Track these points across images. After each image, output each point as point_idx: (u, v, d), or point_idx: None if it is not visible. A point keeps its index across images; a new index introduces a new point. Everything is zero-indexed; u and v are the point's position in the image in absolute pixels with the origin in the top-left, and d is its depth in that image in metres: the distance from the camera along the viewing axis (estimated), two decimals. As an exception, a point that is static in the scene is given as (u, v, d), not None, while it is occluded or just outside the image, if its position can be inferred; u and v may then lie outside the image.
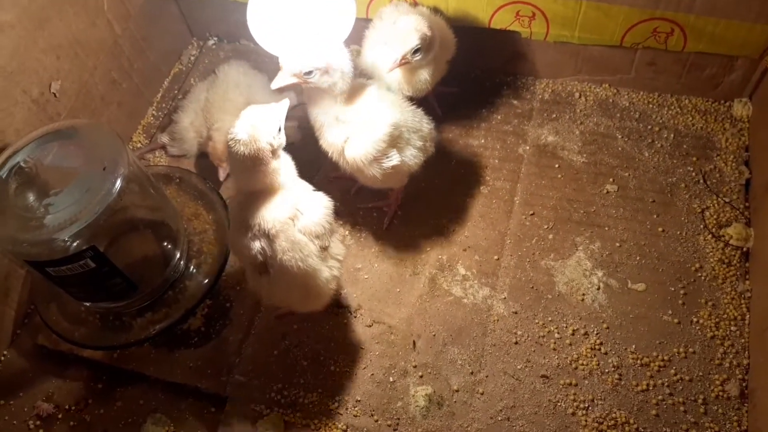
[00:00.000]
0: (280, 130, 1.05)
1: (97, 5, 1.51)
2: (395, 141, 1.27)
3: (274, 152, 1.05)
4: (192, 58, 1.87)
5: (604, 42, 1.45)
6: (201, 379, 1.31)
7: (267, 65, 1.76)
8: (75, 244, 1.14)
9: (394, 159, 1.27)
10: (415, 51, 1.29)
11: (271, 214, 1.06)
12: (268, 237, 1.07)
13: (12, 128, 1.33)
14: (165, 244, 1.39)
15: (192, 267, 1.45)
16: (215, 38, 1.88)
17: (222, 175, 1.56)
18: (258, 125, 1.01)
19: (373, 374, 1.29)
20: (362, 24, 1.41)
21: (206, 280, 1.41)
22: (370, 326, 1.35)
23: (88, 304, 1.34)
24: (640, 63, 1.52)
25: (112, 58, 1.59)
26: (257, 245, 1.08)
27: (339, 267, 1.17)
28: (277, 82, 1.20)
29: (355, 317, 1.36)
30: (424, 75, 1.38)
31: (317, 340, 1.34)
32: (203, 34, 1.89)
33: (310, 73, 1.20)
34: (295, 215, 1.07)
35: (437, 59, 1.39)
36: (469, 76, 1.68)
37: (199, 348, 1.36)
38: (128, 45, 1.64)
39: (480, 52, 1.62)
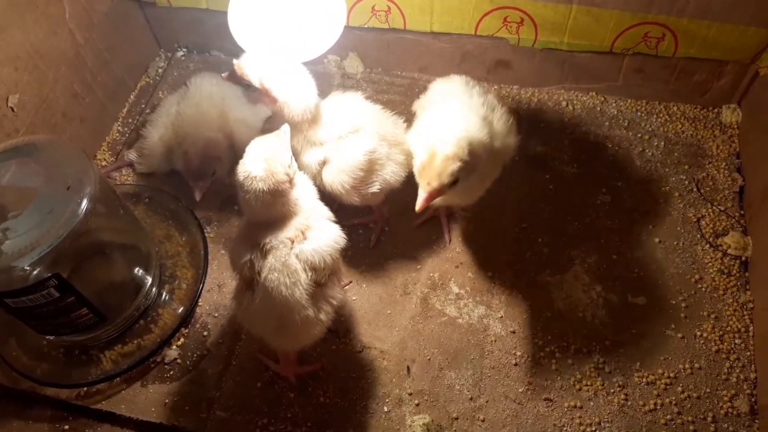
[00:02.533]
0: (291, 158, 0.98)
1: (58, 13, 1.40)
2: (374, 165, 1.19)
3: (291, 181, 0.98)
4: (160, 70, 1.77)
5: (594, 48, 1.41)
6: (178, 417, 1.20)
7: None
8: (36, 272, 1.03)
9: (374, 186, 1.21)
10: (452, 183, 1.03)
11: (274, 228, 0.99)
12: (262, 251, 0.99)
13: (-37, 146, 1.22)
14: (135, 269, 1.28)
15: (165, 293, 1.35)
16: (184, 49, 1.79)
17: (198, 195, 1.45)
18: (271, 158, 0.95)
19: (365, 404, 1.21)
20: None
21: (181, 308, 1.32)
22: (360, 352, 1.27)
23: (51, 337, 1.22)
24: (628, 70, 1.48)
25: (74, 70, 1.48)
26: (247, 255, 1.00)
27: (329, 312, 1.07)
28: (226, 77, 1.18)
29: (344, 343, 1.27)
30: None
31: (304, 368, 1.24)
32: (171, 46, 1.79)
33: (249, 86, 1.14)
34: (296, 237, 0.99)
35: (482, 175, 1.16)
36: (453, 86, 1.63)
37: (175, 382, 1.25)
38: (91, 56, 1.53)
39: (462, 60, 1.57)
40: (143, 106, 1.70)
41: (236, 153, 1.50)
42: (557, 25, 1.36)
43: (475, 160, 1.02)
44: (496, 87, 1.62)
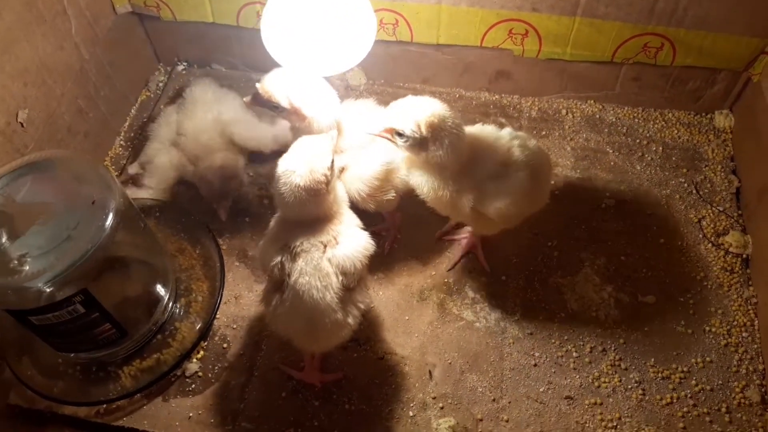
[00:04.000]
0: (333, 162, 1.00)
1: (65, 27, 1.39)
2: (390, 174, 1.22)
3: (327, 184, 1.00)
4: (160, 84, 1.76)
5: (596, 58, 1.46)
6: (204, 430, 1.19)
7: (242, 90, 1.68)
8: (64, 288, 1.02)
9: (389, 194, 1.23)
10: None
11: (306, 232, 1.00)
12: (292, 253, 1.00)
13: (-24, 162, 1.20)
14: (153, 282, 1.27)
15: (181, 307, 1.34)
16: (185, 63, 1.79)
17: (224, 215, 1.46)
18: (313, 156, 0.98)
19: (391, 410, 1.22)
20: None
21: (199, 321, 1.31)
22: (381, 359, 1.28)
23: (71, 355, 1.20)
24: (625, 78, 1.54)
25: (78, 85, 1.47)
26: (278, 257, 1.01)
27: (357, 316, 1.08)
28: (248, 100, 1.18)
29: (365, 350, 1.29)
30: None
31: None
32: (171, 60, 1.79)
33: (276, 107, 1.14)
34: (329, 241, 1.01)
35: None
36: (454, 96, 1.67)
37: (197, 395, 1.24)
38: (94, 71, 1.53)
39: (464, 71, 1.61)
40: (145, 119, 1.69)
41: (233, 136, 1.51)
42: (561, 36, 1.41)
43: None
44: (497, 96, 1.66)
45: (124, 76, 1.66)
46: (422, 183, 1.15)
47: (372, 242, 1.06)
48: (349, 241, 1.03)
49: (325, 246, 1.01)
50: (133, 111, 1.72)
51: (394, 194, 1.25)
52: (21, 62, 1.27)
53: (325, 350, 1.18)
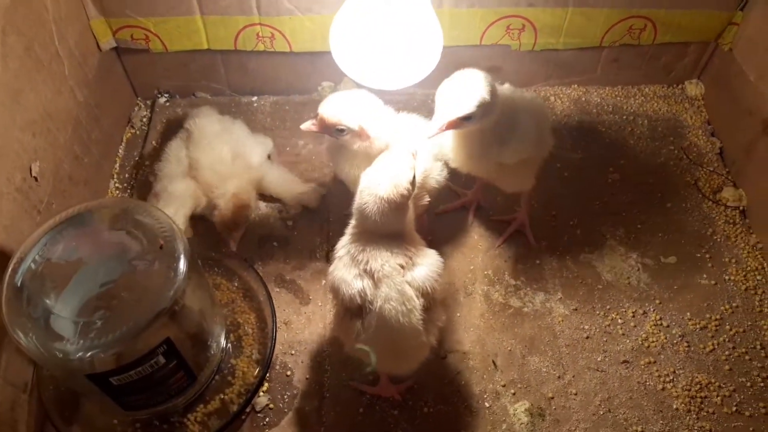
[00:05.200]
0: (414, 178, 1.00)
1: (60, 70, 1.32)
2: (426, 180, 1.25)
3: (409, 198, 0.99)
4: (144, 119, 1.69)
5: (586, 44, 1.56)
6: (292, 461, 1.17)
7: (234, 116, 1.65)
8: (151, 340, 0.97)
9: (424, 199, 1.25)
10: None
11: (383, 255, 0.99)
12: (374, 279, 1.00)
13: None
14: (206, 321, 1.23)
15: (230, 343, 1.30)
16: (166, 95, 1.72)
17: (234, 246, 1.42)
18: (398, 170, 0.97)
19: (467, 405, 1.25)
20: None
21: (256, 353, 1.28)
22: (444, 358, 1.31)
23: (143, 412, 1.14)
24: (606, 61, 1.66)
25: (74, 130, 1.39)
26: (359, 284, 1.00)
27: (436, 334, 1.09)
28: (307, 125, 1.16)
29: (437, 341, 1.30)
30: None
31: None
32: (149, 93, 1.72)
33: (341, 131, 1.15)
34: (406, 263, 1.01)
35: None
36: (446, 95, 1.72)
37: (274, 428, 1.21)
38: (85, 114, 1.45)
39: (456, 70, 1.66)
40: (137, 158, 1.61)
41: (265, 188, 1.49)
42: (555, 27, 1.50)
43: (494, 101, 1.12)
44: (487, 91, 1.72)
45: (109, 115, 1.58)
46: (460, 151, 1.22)
47: (441, 259, 1.07)
48: (424, 261, 1.03)
49: (403, 268, 1.01)
50: (120, 151, 1.64)
51: (428, 199, 1.28)
52: (28, 113, 1.19)
53: (408, 372, 1.17)
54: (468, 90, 1.10)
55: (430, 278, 1.02)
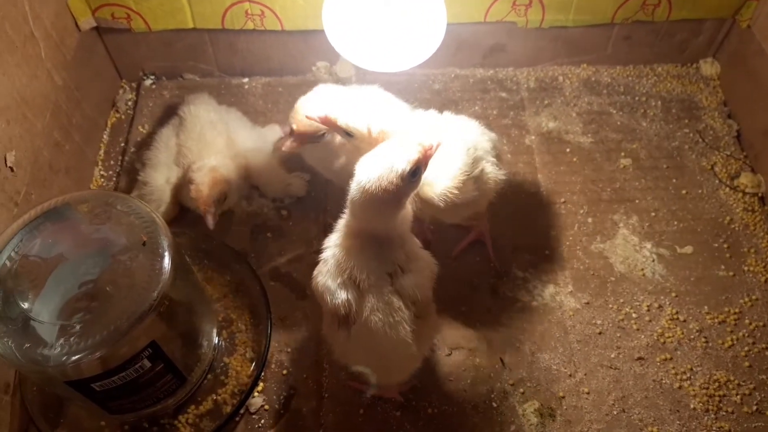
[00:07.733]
0: (410, 169, 0.87)
1: (35, 52, 1.22)
2: (478, 163, 1.11)
3: (403, 190, 0.89)
4: (129, 103, 1.60)
5: (597, 21, 1.47)
6: (290, 466, 1.11)
7: (225, 99, 1.56)
8: (135, 344, 0.90)
9: None
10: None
11: (368, 264, 0.91)
12: (359, 289, 0.92)
13: (-28, 220, 1.03)
14: (198, 319, 1.16)
15: (223, 340, 1.23)
16: (152, 77, 1.63)
17: (211, 222, 1.31)
18: (391, 160, 0.87)
19: (474, 405, 1.18)
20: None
21: (250, 351, 1.21)
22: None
23: (131, 415, 1.07)
24: (617, 38, 1.57)
25: (53, 116, 1.30)
26: (343, 296, 0.92)
27: (430, 344, 1.04)
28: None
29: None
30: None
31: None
32: (134, 75, 1.63)
33: (348, 135, 1.05)
34: (395, 271, 0.93)
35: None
36: (449, 75, 1.63)
37: (270, 430, 1.15)
38: (65, 98, 1.36)
39: (458, 49, 1.57)
40: (123, 144, 1.53)
41: (251, 177, 1.41)
42: (564, 3, 1.40)
43: None
44: (492, 71, 1.64)
45: (92, 99, 1.49)
46: None
47: (435, 261, 0.99)
48: (415, 266, 0.95)
49: (392, 276, 0.93)
50: (105, 136, 1.55)
51: (487, 199, 1.17)
52: (2, 99, 1.10)
53: (399, 381, 1.12)
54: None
55: (421, 285, 0.95)
